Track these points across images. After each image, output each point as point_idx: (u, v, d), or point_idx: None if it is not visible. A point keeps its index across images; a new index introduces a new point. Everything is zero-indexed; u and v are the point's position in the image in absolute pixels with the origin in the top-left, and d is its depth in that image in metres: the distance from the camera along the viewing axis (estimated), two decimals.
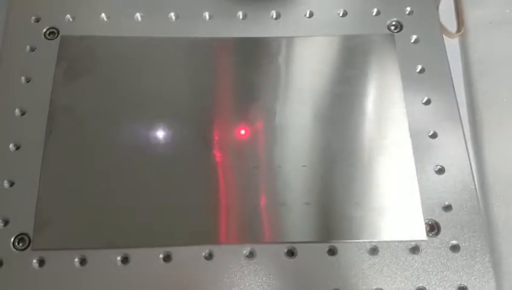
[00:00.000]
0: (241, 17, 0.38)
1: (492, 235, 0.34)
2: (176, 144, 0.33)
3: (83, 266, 0.30)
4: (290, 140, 0.34)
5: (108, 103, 0.34)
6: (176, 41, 0.37)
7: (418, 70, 0.36)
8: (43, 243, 0.30)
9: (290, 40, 0.37)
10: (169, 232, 0.31)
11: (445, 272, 0.30)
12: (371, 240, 0.31)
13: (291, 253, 0.31)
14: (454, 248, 0.31)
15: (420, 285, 0.30)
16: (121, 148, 0.33)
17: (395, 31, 0.38)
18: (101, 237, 0.31)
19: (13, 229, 0.31)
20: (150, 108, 0.35)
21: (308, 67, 0.36)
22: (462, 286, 0.30)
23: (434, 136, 0.34)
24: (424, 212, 0.32)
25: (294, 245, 0.31)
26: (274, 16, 0.38)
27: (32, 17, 0.37)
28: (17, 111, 0.34)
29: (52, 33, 0.37)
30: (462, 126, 0.35)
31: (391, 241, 0.31)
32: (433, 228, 0.32)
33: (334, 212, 0.32)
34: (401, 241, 0.31)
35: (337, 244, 0.31)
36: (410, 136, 0.34)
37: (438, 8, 0.40)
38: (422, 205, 0.32)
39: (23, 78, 0.35)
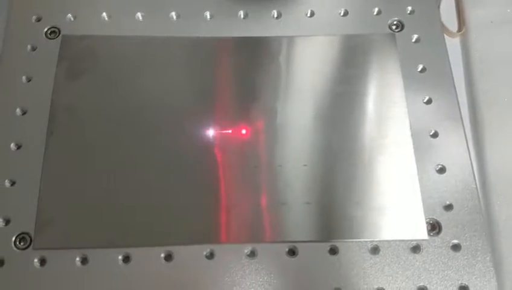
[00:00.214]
0: (242, 16, 0.38)
1: (493, 235, 0.34)
2: (177, 144, 0.33)
3: (84, 266, 0.30)
4: (291, 139, 0.34)
5: (109, 102, 0.34)
6: (177, 41, 0.37)
7: (419, 69, 0.36)
8: (44, 243, 0.30)
9: (291, 39, 0.37)
10: (170, 232, 0.31)
11: (446, 272, 0.30)
12: (372, 240, 0.31)
13: (292, 252, 0.31)
14: (456, 247, 0.31)
15: (421, 284, 0.30)
16: (122, 147, 0.33)
17: (396, 30, 0.38)
18: (102, 236, 0.31)
19: (14, 229, 0.31)
20: (151, 107, 0.35)
21: (309, 67, 0.36)
22: (463, 285, 0.30)
23: (435, 135, 0.34)
24: (425, 212, 0.32)
25: (295, 244, 0.31)
26: (275, 16, 0.38)
27: (33, 17, 0.37)
28: (18, 110, 0.34)
29: (53, 32, 0.37)
30: (463, 125, 0.35)
31: (392, 240, 0.31)
32: (434, 228, 0.32)
33: (335, 211, 0.32)
34: (402, 240, 0.31)
35: (338, 243, 0.31)
36: (411, 135, 0.34)
37: (439, 7, 0.40)
38: (423, 204, 0.32)
39: (24, 78, 0.35)
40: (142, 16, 0.37)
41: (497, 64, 0.39)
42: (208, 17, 0.38)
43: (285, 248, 0.31)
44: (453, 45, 0.40)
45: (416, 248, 0.31)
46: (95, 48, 0.36)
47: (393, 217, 0.32)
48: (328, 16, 0.38)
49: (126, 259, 0.30)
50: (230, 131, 0.34)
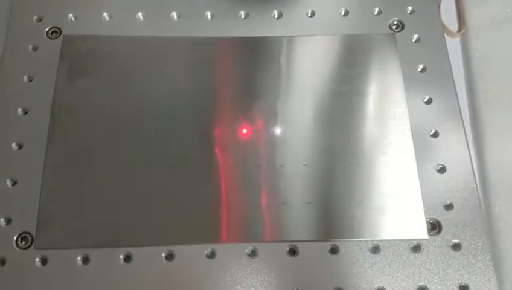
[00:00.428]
0: (243, 16, 0.38)
1: (493, 234, 0.34)
2: (178, 143, 0.34)
3: (86, 265, 0.30)
4: (292, 139, 0.34)
5: (111, 102, 0.35)
6: (177, 41, 0.37)
7: (419, 69, 0.36)
8: (46, 242, 0.31)
9: (291, 39, 0.37)
10: (171, 231, 0.31)
11: (446, 271, 0.30)
12: (372, 239, 0.31)
13: (293, 252, 0.31)
14: (456, 247, 0.31)
15: (422, 283, 0.30)
16: (123, 147, 0.33)
17: (397, 30, 0.38)
18: (103, 235, 0.31)
19: (16, 228, 0.31)
20: (152, 107, 0.35)
21: (309, 67, 0.37)
22: (463, 284, 0.30)
23: (435, 135, 0.34)
24: (425, 211, 0.32)
25: (296, 244, 0.31)
26: (276, 16, 0.38)
27: (35, 17, 0.37)
28: (19, 110, 0.34)
29: (55, 32, 0.37)
30: (463, 125, 0.35)
31: (393, 240, 0.31)
32: (434, 227, 0.32)
33: (335, 211, 0.32)
34: (403, 240, 0.31)
35: (338, 243, 0.31)
36: (412, 135, 0.34)
37: (439, 7, 0.40)
38: (423, 203, 0.32)
39: (25, 78, 0.35)
40: (143, 16, 0.38)
41: (497, 64, 0.39)
42: (209, 17, 0.38)
43: (286, 247, 0.31)
44: (453, 45, 0.40)
45: (416, 248, 0.31)
46: (96, 48, 0.36)
47: (394, 217, 0.32)
48: (328, 16, 0.38)
49: (127, 258, 0.30)
50: (231, 131, 0.34)
